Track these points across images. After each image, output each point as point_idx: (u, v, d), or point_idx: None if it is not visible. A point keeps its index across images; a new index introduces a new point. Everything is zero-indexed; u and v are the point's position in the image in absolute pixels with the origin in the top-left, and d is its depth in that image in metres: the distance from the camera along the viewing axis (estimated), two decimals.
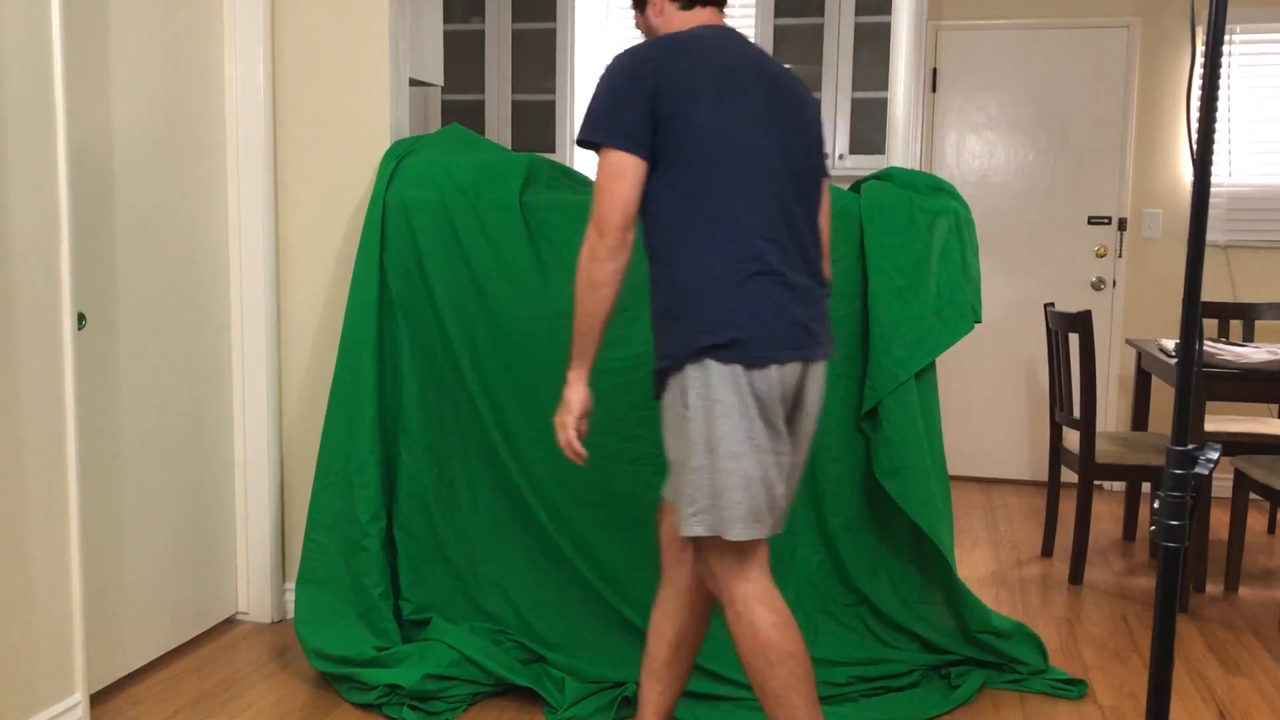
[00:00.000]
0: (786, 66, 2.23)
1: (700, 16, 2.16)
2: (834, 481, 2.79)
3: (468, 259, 2.87)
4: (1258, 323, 4.98)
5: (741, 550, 2.05)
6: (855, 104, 4.99)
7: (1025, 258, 5.24)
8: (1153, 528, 1.68)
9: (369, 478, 2.84)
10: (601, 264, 2.03)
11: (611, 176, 2.02)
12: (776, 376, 2.00)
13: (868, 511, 2.82)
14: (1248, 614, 3.54)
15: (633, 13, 2.27)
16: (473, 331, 2.88)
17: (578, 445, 2.13)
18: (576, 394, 2.12)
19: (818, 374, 2.12)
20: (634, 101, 2.00)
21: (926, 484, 2.70)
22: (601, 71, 2.08)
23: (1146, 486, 5.12)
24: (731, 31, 2.13)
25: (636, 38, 5.50)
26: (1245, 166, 5.01)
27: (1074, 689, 2.87)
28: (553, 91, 5.19)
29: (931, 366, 2.81)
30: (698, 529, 2.01)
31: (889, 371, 2.71)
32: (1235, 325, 5.02)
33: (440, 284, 2.89)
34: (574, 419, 2.12)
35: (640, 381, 2.81)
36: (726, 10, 5.31)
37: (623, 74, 2.03)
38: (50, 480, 2.50)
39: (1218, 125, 4.96)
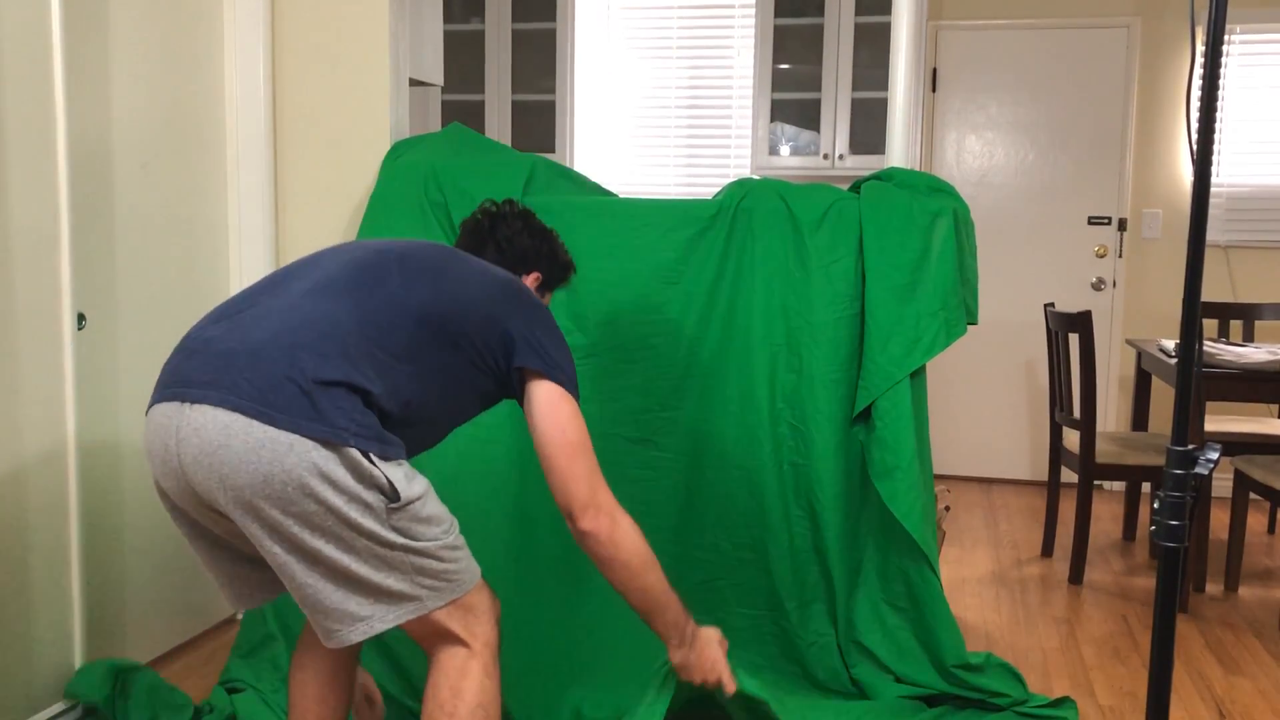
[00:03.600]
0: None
1: None
2: (830, 490, 2.74)
3: None
4: (1258, 323, 4.98)
5: None
6: (855, 104, 4.99)
7: (1025, 258, 5.24)
8: (1153, 528, 1.68)
9: None
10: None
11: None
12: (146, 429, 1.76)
13: (858, 528, 2.77)
14: (1248, 614, 3.54)
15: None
16: None
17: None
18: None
19: (200, 418, 1.65)
20: None
21: (916, 487, 2.67)
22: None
23: (1146, 486, 5.12)
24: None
25: (636, 37, 5.50)
26: (1245, 166, 5.01)
27: (1060, 710, 2.67)
28: (553, 91, 5.19)
29: (922, 370, 2.79)
30: None
31: (884, 370, 2.69)
32: (1235, 325, 5.02)
33: None
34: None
35: (652, 383, 2.80)
36: (728, 12, 5.34)
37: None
38: (50, 480, 2.50)
39: (1217, 125, 4.97)
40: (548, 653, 2.73)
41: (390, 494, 1.67)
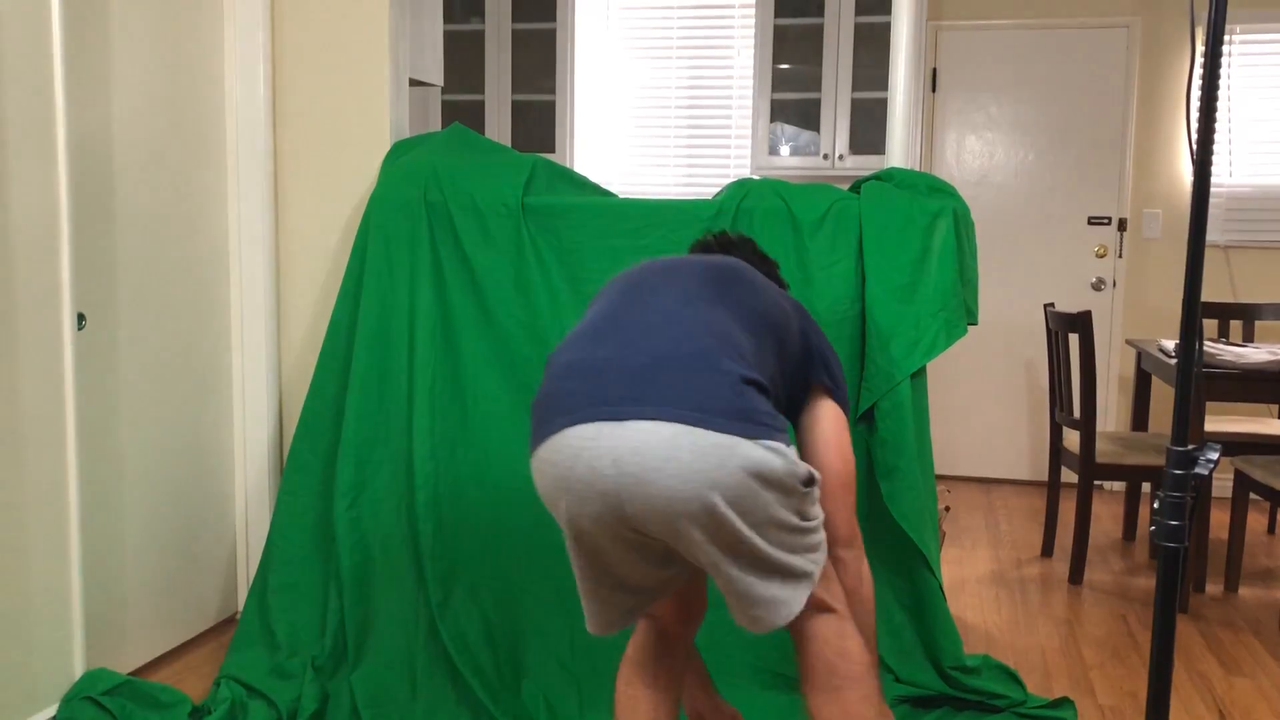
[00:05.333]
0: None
1: None
2: None
3: (469, 261, 2.87)
4: (1258, 323, 4.98)
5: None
6: (855, 104, 4.99)
7: (1025, 258, 5.24)
8: (1153, 528, 1.68)
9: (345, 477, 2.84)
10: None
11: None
12: (544, 460, 1.71)
13: (864, 526, 2.77)
14: (1248, 614, 3.54)
15: None
16: (470, 338, 2.87)
17: None
18: None
19: (636, 437, 1.62)
20: None
21: (915, 488, 2.67)
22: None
23: (1146, 486, 5.12)
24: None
25: (636, 37, 5.50)
26: (1245, 166, 5.01)
27: (1059, 711, 2.66)
28: (553, 91, 5.19)
29: (922, 370, 2.79)
30: None
31: (885, 371, 2.69)
32: (1235, 325, 5.02)
33: (441, 287, 2.89)
34: None
35: None
36: (728, 12, 5.34)
37: None
38: (50, 480, 2.50)
39: (1218, 125, 4.97)
40: (536, 644, 2.73)
41: (806, 479, 1.73)
